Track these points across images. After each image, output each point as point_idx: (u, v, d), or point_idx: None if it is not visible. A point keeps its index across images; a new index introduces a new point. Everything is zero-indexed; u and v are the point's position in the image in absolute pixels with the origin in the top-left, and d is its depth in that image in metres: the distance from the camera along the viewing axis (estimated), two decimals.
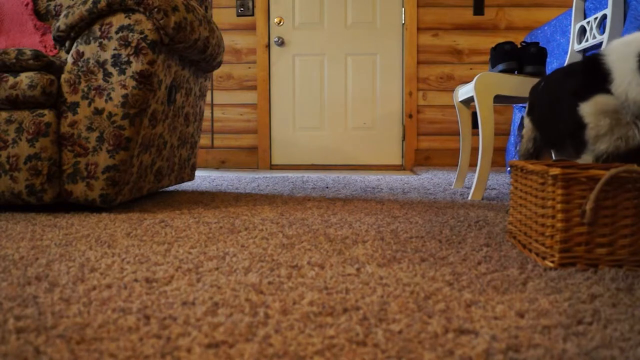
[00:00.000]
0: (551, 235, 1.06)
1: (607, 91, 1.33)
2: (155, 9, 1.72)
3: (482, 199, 2.19)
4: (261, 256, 1.15)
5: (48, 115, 1.72)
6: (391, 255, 1.16)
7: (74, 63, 1.75)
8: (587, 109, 1.36)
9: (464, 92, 2.47)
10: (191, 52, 1.98)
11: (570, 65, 1.63)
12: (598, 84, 1.36)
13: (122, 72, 1.73)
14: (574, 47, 2.40)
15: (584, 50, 2.35)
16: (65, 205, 1.88)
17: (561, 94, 1.54)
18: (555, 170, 1.04)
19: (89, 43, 1.75)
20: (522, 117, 1.95)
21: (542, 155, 1.85)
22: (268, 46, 4.18)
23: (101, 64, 1.74)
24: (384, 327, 0.73)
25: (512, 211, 1.30)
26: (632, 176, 1.02)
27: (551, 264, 1.05)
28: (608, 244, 1.04)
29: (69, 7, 1.79)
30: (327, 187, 2.67)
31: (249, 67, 4.22)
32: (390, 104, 4.20)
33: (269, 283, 0.94)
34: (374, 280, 0.96)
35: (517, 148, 1.91)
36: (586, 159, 1.42)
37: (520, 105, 3.28)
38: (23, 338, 0.69)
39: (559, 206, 1.04)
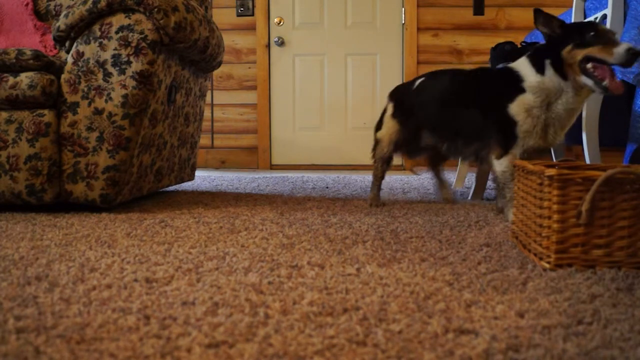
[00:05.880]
0: (547, 236, 1.06)
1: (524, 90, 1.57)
2: (155, 9, 1.72)
3: (482, 199, 2.19)
4: (261, 256, 1.15)
5: (48, 115, 1.73)
6: (391, 255, 1.16)
7: (74, 63, 1.76)
8: (516, 108, 1.58)
9: None
10: (191, 52, 1.98)
11: (454, 71, 1.86)
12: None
13: (122, 72, 1.73)
14: None
15: None
16: (65, 205, 1.88)
17: (471, 96, 1.73)
18: (551, 171, 1.04)
19: (89, 43, 1.75)
20: (379, 122, 2.03)
21: (392, 159, 2.00)
22: (268, 46, 4.18)
23: (101, 64, 1.74)
24: (384, 327, 0.73)
25: (515, 211, 1.30)
26: (629, 177, 1.02)
27: (547, 265, 1.05)
28: (605, 245, 1.04)
29: (69, 7, 1.79)
30: (327, 187, 2.67)
31: (249, 67, 4.22)
32: None
33: (269, 283, 0.94)
34: (374, 280, 0.96)
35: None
36: (513, 153, 1.60)
37: None
38: (23, 338, 0.69)
39: (554, 207, 1.04)
